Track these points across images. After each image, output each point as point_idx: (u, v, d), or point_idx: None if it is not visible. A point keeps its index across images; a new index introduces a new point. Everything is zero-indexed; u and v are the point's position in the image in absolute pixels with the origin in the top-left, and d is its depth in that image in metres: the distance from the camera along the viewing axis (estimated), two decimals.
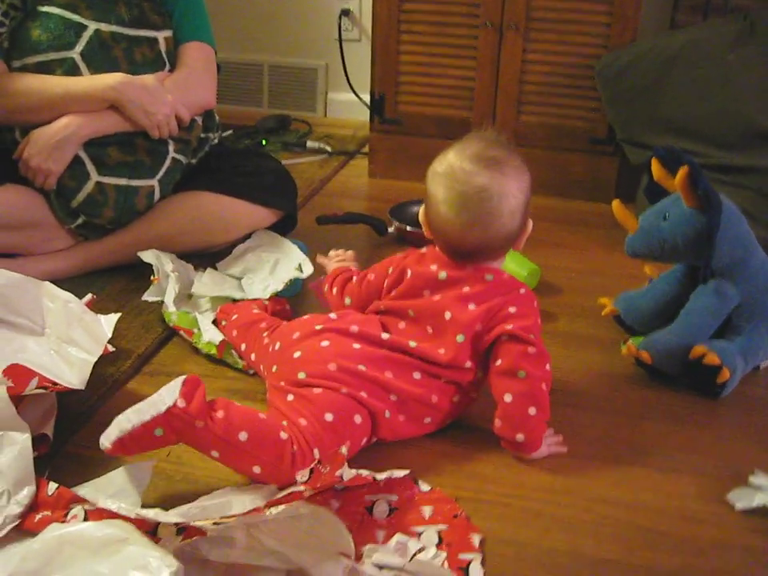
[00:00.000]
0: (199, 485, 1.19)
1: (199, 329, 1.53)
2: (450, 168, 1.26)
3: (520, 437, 1.24)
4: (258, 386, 1.41)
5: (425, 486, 1.19)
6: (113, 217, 1.74)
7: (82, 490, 1.09)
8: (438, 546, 1.07)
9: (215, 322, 1.56)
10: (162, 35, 1.80)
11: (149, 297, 1.66)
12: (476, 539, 1.09)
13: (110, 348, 1.39)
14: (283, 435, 1.13)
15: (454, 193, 1.25)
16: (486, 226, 1.25)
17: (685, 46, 2.10)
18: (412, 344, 1.28)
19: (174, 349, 1.56)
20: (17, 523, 1.05)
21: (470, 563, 1.05)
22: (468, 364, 1.28)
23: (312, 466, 1.10)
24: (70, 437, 1.28)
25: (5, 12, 1.68)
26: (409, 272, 1.35)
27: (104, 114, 1.68)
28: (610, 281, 1.90)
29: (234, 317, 1.51)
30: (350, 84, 3.05)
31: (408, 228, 2.01)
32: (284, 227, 1.92)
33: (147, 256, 1.70)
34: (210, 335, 1.50)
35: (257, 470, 1.12)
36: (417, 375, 1.27)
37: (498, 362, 1.26)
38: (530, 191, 1.29)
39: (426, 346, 1.28)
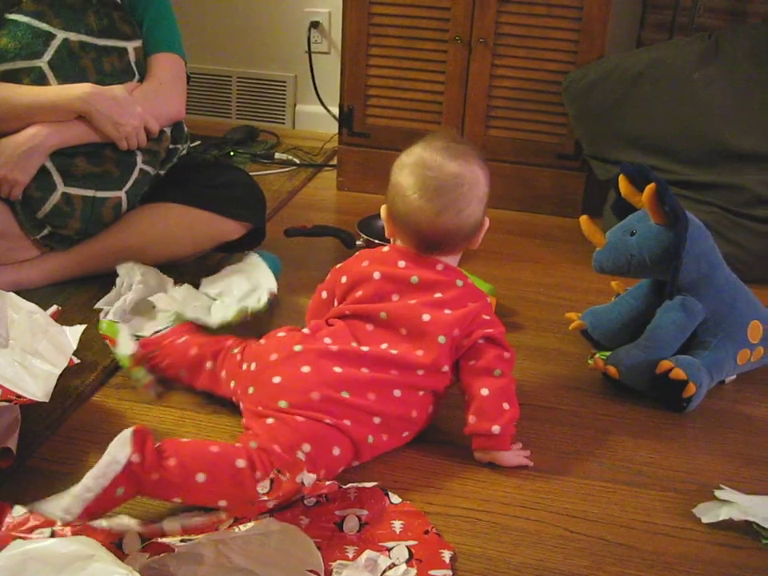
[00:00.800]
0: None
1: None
2: (421, 158, 1.32)
3: (496, 428, 1.26)
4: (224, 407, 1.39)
5: (395, 498, 1.19)
6: (79, 228, 1.72)
7: (45, 505, 1.07)
8: (408, 562, 1.07)
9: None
10: (131, 45, 1.79)
11: (102, 304, 1.65)
12: (447, 556, 1.09)
13: (75, 360, 1.37)
14: (240, 463, 1.11)
15: (427, 180, 1.30)
16: (459, 210, 1.30)
17: (651, 64, 2.13)
18: (393, 351, 1.28)
19: None
20: None
21: None
22: (445, 368, 1.30)
23: (272, 476, 1.09)
24: (34, 450, 1.26)
25: None
26: (377, 274, 1.35)
27: (72, 124, 1.66)
28: (577, 295, 1.91)
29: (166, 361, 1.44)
30: (318, 96, 3.05)
31: (376, 241, 2.01)
32: (252, 240, 1.91)
33: (123, 268, 1.68)
34: (124, 347, 1.46)
35: (222, 503, 1.10)
36: (397, 393, 1.27)
37: (473, 362, 1.30)
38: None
39: (404, 349, 1.29)
